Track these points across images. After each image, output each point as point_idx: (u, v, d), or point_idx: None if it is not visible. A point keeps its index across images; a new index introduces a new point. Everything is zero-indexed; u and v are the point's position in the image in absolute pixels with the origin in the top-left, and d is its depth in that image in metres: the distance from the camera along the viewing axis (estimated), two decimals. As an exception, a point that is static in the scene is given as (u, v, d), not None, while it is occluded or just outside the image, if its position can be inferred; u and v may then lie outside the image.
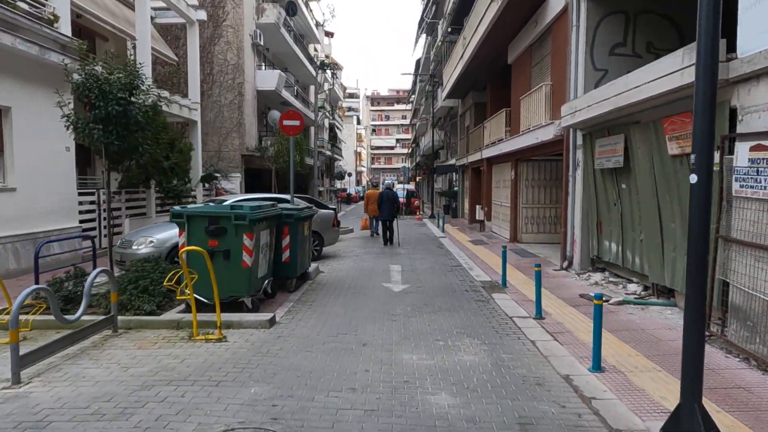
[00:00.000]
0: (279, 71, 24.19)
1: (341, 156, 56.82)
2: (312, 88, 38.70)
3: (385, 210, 15.16)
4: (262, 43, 23.54)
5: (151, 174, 12.23)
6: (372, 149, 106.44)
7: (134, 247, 8.77)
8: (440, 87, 26.02)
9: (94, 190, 11.83)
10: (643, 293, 7.36)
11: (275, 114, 23.99)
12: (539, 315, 6.50)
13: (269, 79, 23.76)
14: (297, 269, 7.68)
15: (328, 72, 41.65)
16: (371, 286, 8.41)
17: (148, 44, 13.83)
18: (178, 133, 13.00)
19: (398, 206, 15.56)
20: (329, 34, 60.15)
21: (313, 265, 9.34)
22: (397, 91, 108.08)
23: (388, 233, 15.36)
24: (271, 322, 5.87)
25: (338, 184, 55.75)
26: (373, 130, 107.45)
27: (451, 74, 21.05)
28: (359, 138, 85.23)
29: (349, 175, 45.25)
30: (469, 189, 21.35)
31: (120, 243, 9.19)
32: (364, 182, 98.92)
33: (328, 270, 9.87)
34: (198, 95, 17.36)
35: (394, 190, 16.90)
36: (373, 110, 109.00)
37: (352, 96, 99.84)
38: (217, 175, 18.71)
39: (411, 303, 7.24)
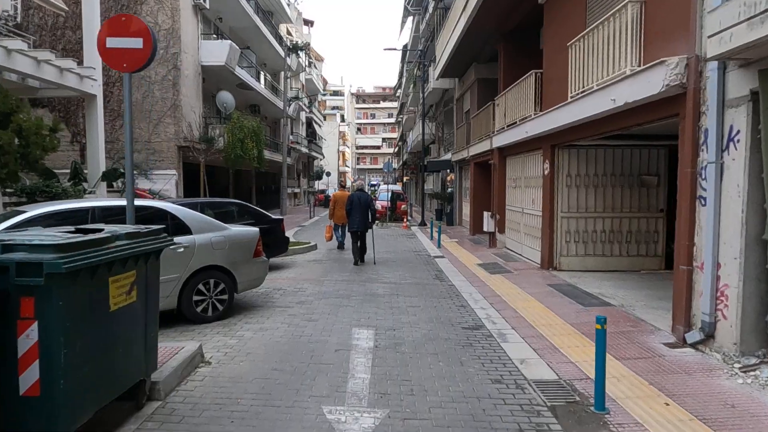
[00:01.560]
0: (230, 42, 19.25)
1: (321, 154, 51.86)
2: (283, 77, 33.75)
3: (356, 218, 10.68)
4: (207, 5, 18.57)
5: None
6: (357, 148, 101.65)
7: None
8: (432, 66, 21.28)
9: None
10: None
11: (225, 96, 19.11)
12: None
13: (217, 51, 18.80)
14: (68, 416, 2.78)
15: (303, 57, 36.74)
16: (296, 421, 3.57)
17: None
18: (15, 101, 8.06)
19: (373, 213, 10.97)
20: (309, 23, 55.46)
21: (190, 347, 4.48)
22: (383, 89, 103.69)
23: (359, 248, 10.91)
24: None
25: (318, 185, 50.68)
26: (358, 129, 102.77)
27: (447, 43, 16.33)
28: (343, 136, 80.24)
29: (328, 174, 40.14)
30: (472, 190, 16.61)
31: None
32: (348, 183, 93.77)
33: (226, 353, 4.96)
34: (98, 60, 12.37)
35: (367, 191, 12.23)
36: (358, 108, 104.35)
37: (336, 93, 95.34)
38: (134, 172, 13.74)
39: None
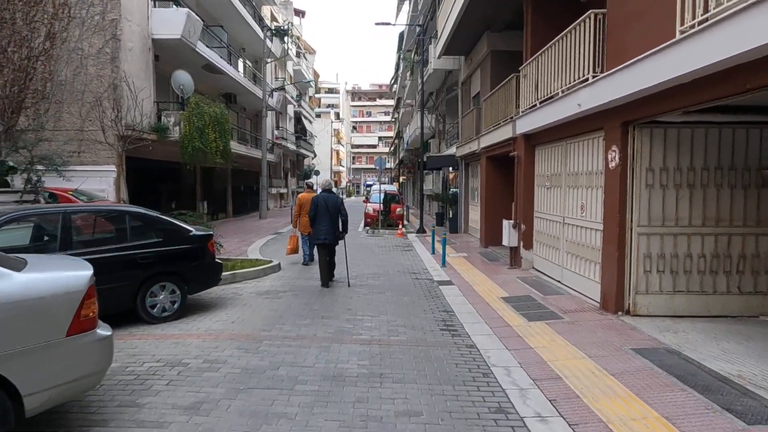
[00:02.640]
0: (187, 10, 15.86)
1: (312, 152, 48.46)
2: (268, 65, 30.39)
3: (323, 226, 8.05)
4: (159, -36, 15.23)
5: None
6: (353, 147, 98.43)
7: None
8: (432, 44, 17.97)
9: None
10: None
11: (181, 76, 15.80)
12: None
13: (171, 21, 15.44)
14: None
15: (289, 44, 33.39)
16: None
17: None
18: None
19: (345, 219, 8.27)
20: (299, 13, 52.34)
21: None
22: (380, 86, 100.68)
23: (328, 266, 8.41)
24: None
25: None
26: (354, 128, 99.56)
27: (452, 9, 13.01)
28: (337, 134, 76.81)
29: (317, 173, 36.45)
30: (483, 191, 13.25)
31: None
32: (344, 183, 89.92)
33: None
34: (-20, 12, 9.03)
35: (336, 191, 9.12)
36: (354, 106, 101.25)
37: (331, 91, 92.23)
38: (40, 168, 10.36)
39: None
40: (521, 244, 9.79)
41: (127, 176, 14.57)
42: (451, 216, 18.44)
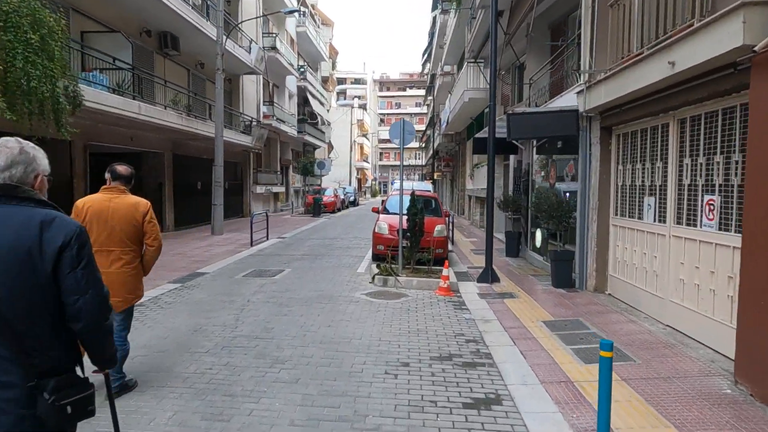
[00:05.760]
0: None
1: (325, 141, 39.12)
2: (255, 19, 21.17)
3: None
4: None
5: None
6: (380, 142, 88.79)
7: None
8: None
9: None
10: None
11: None
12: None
13: None
14: None
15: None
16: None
17: None
18: None
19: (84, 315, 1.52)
20: (314, -23, 43.08)
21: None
22: (410, 75, 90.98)
23: None
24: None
25: (324, 181, 37.79)
26: (382, 120, 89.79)
27: None
28: (360, 125, 67.25)
29: (320, 166, 26.49)
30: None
31: None
32: (368, 182, 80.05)
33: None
34: None
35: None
36: (381, 96, 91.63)
37: (358, 81, 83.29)
38: None
39: None
40: None
41: None
42: (553, 247, 8.66)
